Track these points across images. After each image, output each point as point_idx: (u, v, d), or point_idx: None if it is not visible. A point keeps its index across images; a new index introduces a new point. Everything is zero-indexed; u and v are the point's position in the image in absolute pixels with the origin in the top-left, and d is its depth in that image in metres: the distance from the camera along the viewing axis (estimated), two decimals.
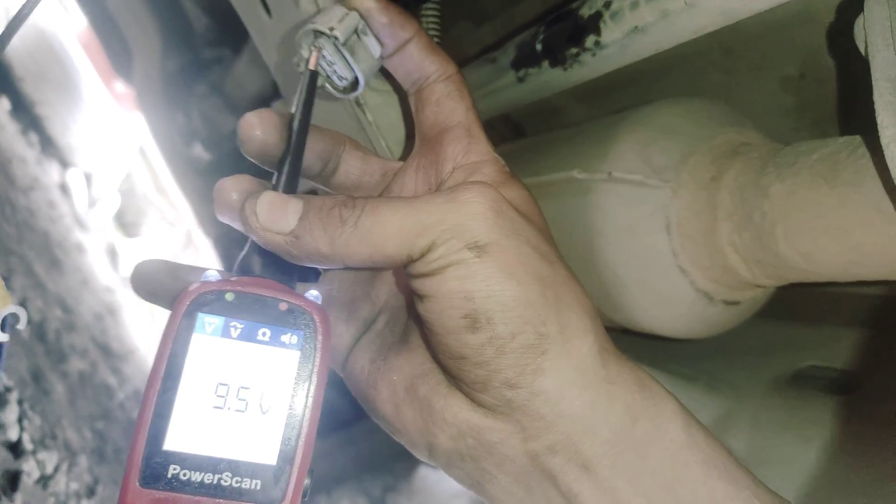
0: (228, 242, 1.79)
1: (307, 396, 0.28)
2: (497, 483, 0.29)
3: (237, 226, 0.30)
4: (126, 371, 1.74)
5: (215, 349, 0.28)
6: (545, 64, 0.49)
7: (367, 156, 0.37)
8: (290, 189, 0.31)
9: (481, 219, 0.27)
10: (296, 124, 0.31)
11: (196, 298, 0.28)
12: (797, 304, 0.59)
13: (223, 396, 0.28)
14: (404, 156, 0.40)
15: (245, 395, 0.28)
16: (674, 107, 0.52)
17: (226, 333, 0.28)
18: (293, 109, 0.32)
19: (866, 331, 0.54)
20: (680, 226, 0.48)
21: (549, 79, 0.50)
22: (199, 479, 0.27)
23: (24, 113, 2.25)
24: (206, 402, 0.27)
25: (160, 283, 0.32)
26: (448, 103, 0.34)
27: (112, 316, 2.00)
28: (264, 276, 0.30)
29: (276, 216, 0.28)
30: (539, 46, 0.49)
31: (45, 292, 1.45)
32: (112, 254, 2.51)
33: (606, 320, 0.57)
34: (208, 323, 0.28)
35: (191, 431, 0.27)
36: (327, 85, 0.36)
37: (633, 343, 0.61)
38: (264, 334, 0.28)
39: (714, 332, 0.53)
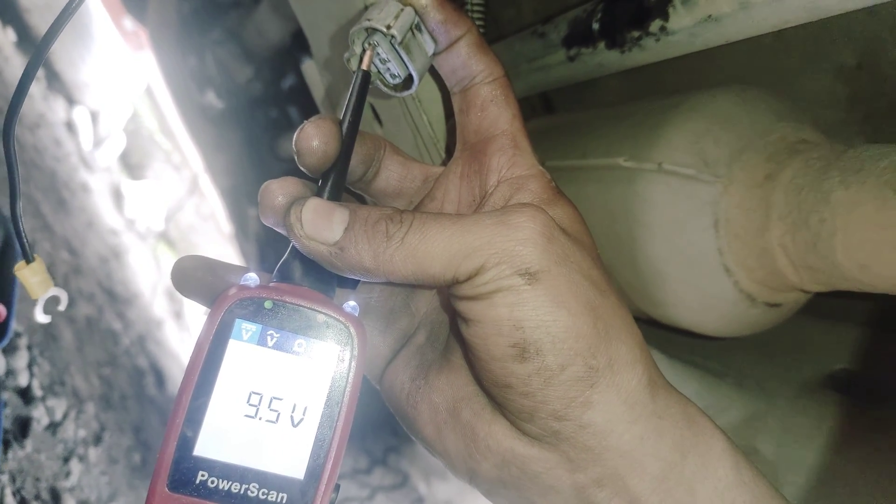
0: (238, 196, 1.76)
1: (339, 413, 0.28)
2: None
3: (281, 230, 0.29)
4: (130, 316, 1.74)
5: (251, 357, 0.27)
6: (601, 45, 0.46)
7: (407, 161, 0.36)
8: (335, 196, 0.30)
9: (532, 245, 0.26)
10: (345, 127, 0.30)
11: (235, 303, 0.28)
12: (833, 303, 0.58)
13: (255, 406, 0.27)
14: (449, 143, 0.38)
15: (277, 406, 0.27)
16: (729, 96, 0.50)
17: (262, 342, 0.28)
18: (343, 110, 0.31)
19: None
20: (729, 224, 0.46)
21: (603, 61, 0.47)
22: (226, 488, 0.26)
23: (30, 45, 2.19)
24: (238, 410, 0.27)
25: (199, 280, 0.31)
26: (493, 109, 0.34)
27: (117, 259, 1.99)
28: (304, 283, 0.29)
29: (321, 225, 0.27)
30: (596, 26, 0.46)
31: (52, 234, 1.44)
32: (117, 195, 2.48)
33: (641, 314, 0.55)
34: (245, 329, 0.28)
35: (221, 439, 0.27)
36: (378, 82, 0.35)
37: (659, 334, 0.60)
38: (300, 345, 0.28)
39: (751, 332, 0.52)
